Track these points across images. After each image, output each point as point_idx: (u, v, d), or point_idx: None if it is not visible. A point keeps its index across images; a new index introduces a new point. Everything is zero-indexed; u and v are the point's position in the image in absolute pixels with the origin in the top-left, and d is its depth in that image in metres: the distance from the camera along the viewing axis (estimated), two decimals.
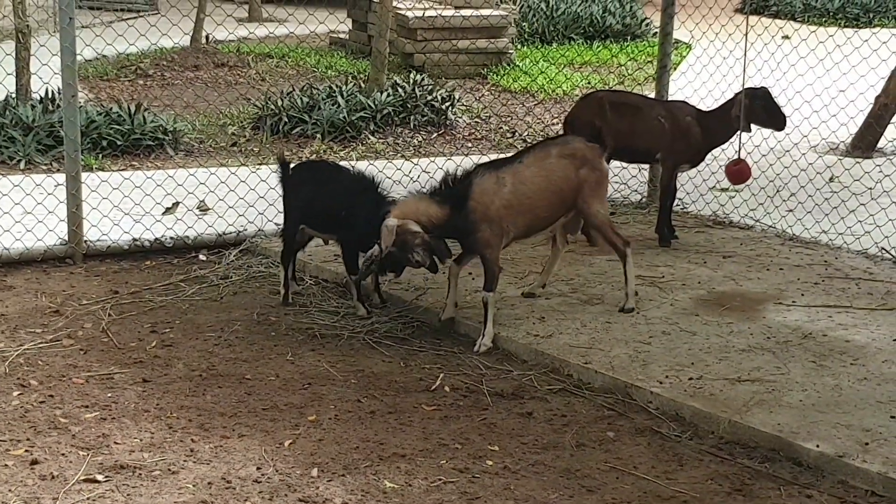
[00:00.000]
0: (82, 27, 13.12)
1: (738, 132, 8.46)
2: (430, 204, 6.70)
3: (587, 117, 8.43)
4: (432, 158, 10.95)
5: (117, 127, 11.28)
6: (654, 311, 7.21)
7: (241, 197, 9.15)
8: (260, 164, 10.66)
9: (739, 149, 8.46)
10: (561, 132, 9.07)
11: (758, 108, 8.33)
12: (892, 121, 11.65)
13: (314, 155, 11.38)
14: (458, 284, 7.08)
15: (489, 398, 6.11)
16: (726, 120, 8.42)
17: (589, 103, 8.73)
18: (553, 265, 7.53)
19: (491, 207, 6.70)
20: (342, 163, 8.62)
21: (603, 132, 7.34)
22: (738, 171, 8.42)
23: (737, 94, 8.43)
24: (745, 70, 8.46)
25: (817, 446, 5.39)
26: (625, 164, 9.61)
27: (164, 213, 9.04)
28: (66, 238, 8.24)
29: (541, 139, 7.10)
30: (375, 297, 7.36)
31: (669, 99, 9.90)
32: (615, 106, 8.55)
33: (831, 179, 10.15)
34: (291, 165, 7.49)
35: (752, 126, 8.42)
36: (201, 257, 8.44)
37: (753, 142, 8.92)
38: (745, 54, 8.51)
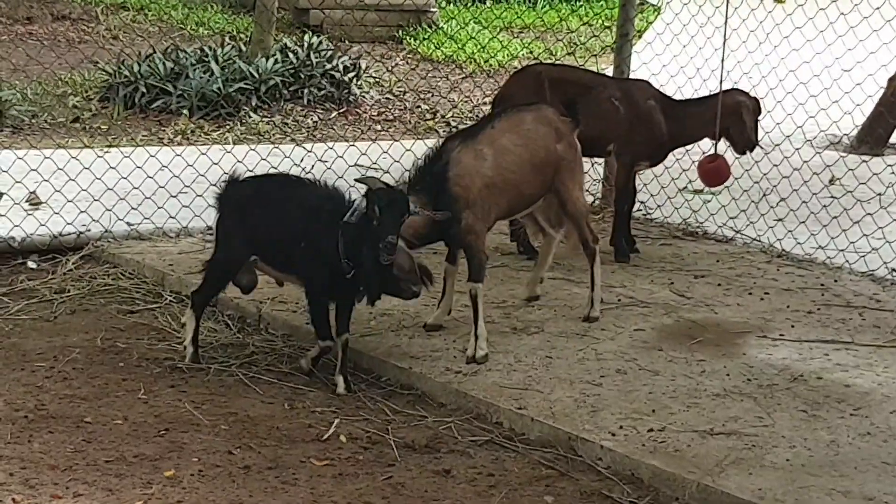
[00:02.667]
0: None
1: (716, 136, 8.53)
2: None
3: (521, 97, 8.43)
4: (330, 144, 10.93)
5: None
6: (606, 344, 7.26)
7: (83, 188, 9.08)
8: (109, 147, 10.59)
9: (717, 141, 8.52)
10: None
11: (735, 120, 8.40)
12: None
13: (178, 136, 11.31)
14: (454, 286, 7.40)
15: (396, 451, 6.12)
16: (703, 117, 8.45)
17: (524, 79, 8.79)
18: (549, 255, 7.86)
19: (472, 189, 6.97)
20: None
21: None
22: (713, 170, 8.46)
23: (724, 92, 8.47)
24: (724, 43, 8.56)
25: None
26: None
27: None
28: None
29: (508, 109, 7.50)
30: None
31: (629, 77, 9.97)
32: (557, 83, 8.58)
33: (832, 182, 10.29)
34: (241, 178, 7.07)
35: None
36: (31, 265, 8.38)
37: None
38: (725, 22, 8.61)
